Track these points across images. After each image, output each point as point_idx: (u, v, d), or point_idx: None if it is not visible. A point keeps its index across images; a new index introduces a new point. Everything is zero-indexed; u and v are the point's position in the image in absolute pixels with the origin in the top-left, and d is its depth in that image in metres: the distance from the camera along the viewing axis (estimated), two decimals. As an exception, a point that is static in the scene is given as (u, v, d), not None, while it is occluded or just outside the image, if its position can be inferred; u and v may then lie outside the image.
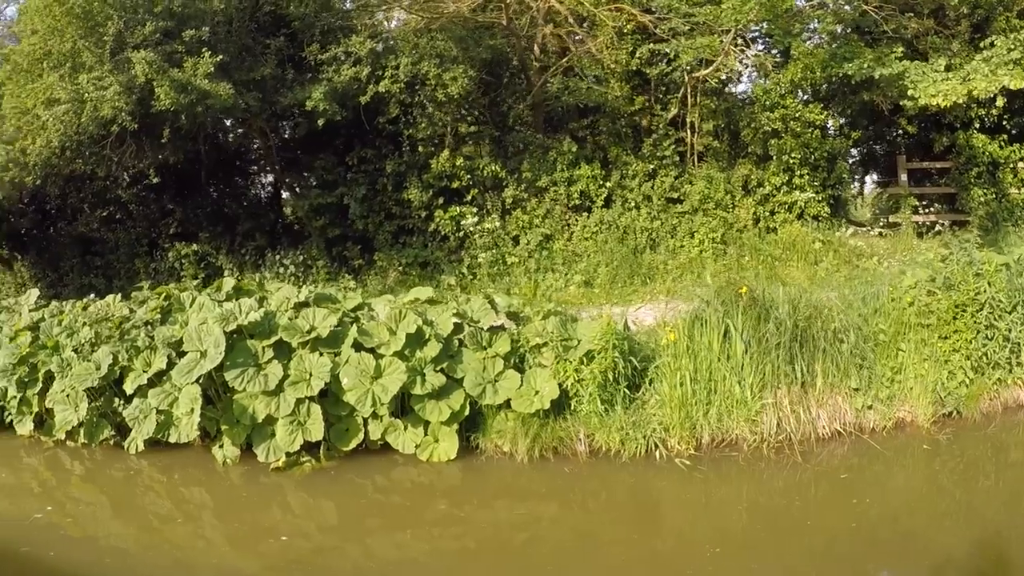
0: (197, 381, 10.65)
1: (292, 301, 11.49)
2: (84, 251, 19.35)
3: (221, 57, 13.32)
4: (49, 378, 12.57)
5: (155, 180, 15.00)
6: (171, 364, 11.11)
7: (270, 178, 19.12)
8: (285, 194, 18.60)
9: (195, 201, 18.32)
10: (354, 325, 11.05)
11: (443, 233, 16.08)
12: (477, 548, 8.87)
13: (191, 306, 11.93)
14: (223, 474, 10.91)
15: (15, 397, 12.93)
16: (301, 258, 16.22)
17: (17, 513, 10.56)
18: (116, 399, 11.76)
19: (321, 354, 10.64)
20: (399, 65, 14.80)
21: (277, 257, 16.32)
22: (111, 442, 11.88)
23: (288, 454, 10.51)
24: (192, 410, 10.61)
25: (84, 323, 12.51)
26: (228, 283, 12.59)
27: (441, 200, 16.13)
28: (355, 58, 14.89)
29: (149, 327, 11.83)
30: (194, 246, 17.41)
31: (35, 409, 12.76)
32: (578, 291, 14.10)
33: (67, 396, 11.90)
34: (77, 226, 19.47)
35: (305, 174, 16.84)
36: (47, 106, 13.75)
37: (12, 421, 13.22)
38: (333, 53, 14.99)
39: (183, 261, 17.37)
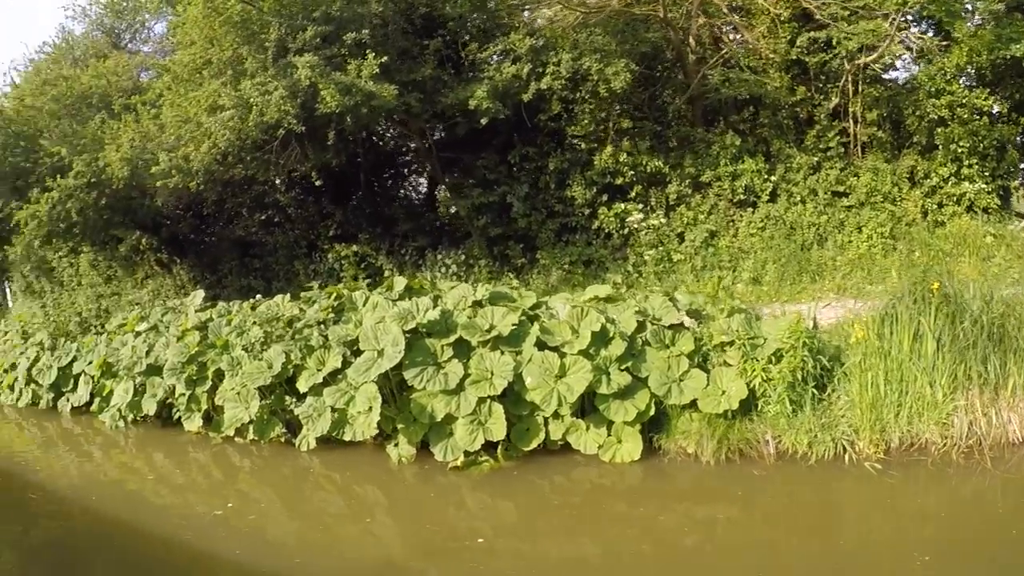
0: (375, 380, 10.50)
1: (469, 300, 11.26)
2: (243, 254, 19.59)
3: (385, 58, 13.20)
4: (218, 376, 12.67)
5: (318, 183, 14.95)
6: (346, 363, 10.99)
7: (426, 179, 18.99)
8: (439, 194, 18.47)
9: (354, 203, 18.29)
10: (535, 323, 10.72)
11: (607, 231, 15.62)
12: (656, 552, 8.38)
13: (364, 305, 11.82)
14: (397, 473, 10.71)
15: (183, 394, 13.09)
16: (463, 257, 16.00)
17: (196, 510, 10.63)
18: (287, 397, 11.72)
19: (502, 353, 10.35)
20: (560, 61, 14.49)
21: (439, 257, 16.13)
22: (281, 439, 11.86)
23: (467, 453, 10.22)
24: (370, 408, 10.42)
25: (254, 323, 12.53)
26: (399, 282, 12.43)
27: (605, 197, 15.72)
28: (514, 56, 14.66)
29: (322, 326, 11.74)
30: (354, 247, 17.34)
31: (203, 406, 12.92)
32: (746, 289, 13.56)
33: (237, 394, 11.92)
34: (235, 230, 19.75)
35: (455, 173, 16.61)
36: (210, 113, 13.85)
37: (180, 417, 13.41)
38: (492, 51, 14.80)
39: (343, 262, 17.33)
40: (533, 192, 16.11)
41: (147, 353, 14.21)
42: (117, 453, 14.11)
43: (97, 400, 15.72)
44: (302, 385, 11.23)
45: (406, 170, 19.49)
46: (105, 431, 15.02)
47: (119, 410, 14.40)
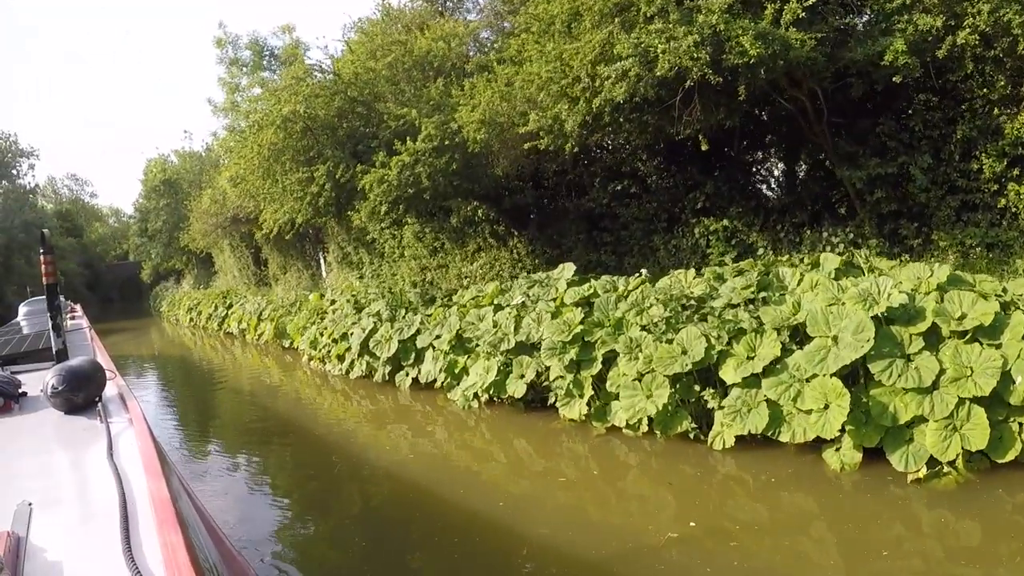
0: (833, 373, 9.21)
1: (930, 282, 9.76)
2: (591, 227, 18.86)
3: (813, 0, 11.79)
4: (608, 359, 11.77)
5: (704, 147, 13.80)
6: (784, 350, 9.80)
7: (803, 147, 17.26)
8: (797, 166, 16.83)
9: (725, 173, 17.09)
10: (1015, 312, 9.16)
11: (1014, 210, 13.72)
12: None
13: (798, 284, 10.57)
14: (834, 481, 9.40)
15: (562, 377, 12.28)
16: (851, 236, 14.48)
17: (559, 502, 9.99)
18: (696, 386, 10.65)
19: (982, 346, 8.87)
20: (979, 12, 12.65)
21: (823, 234, 14.70)
22: (690, 434, 10.75)
23: (930, 463, 8.83)
24: (826, 406, 9.17)
25: (656, 299, 11.53)
26: (830, 259, 11.13)
27: (1016, 171, 13.77)
28: (922, 7, 12.92)
29: (751, 307, 10.58)
30: (723, 222, 16.19)
31: (587, 392, 12.00)
32: None
33: (638, 380, 10.96)
34: (584, 201, 19.00)
35: (845, 140, 14.89)
36: (594, 65, 12.97)
37: (555, 402, 12.62)
38: (899, 1, 13.08)
39: (709, 238, 16.27)
40: (934, 164, 14.27)
41: (515, 329, 13.56)
42: (464, 434, 13.67)
43: (445, 376, 15.29)
44: (728, 374, 10.11)
45: (777, 136, 17.68)
46: (451, 410, 14.74)
47: (478, 390, 13.84)
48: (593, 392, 11.99)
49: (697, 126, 13.56)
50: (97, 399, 5.60)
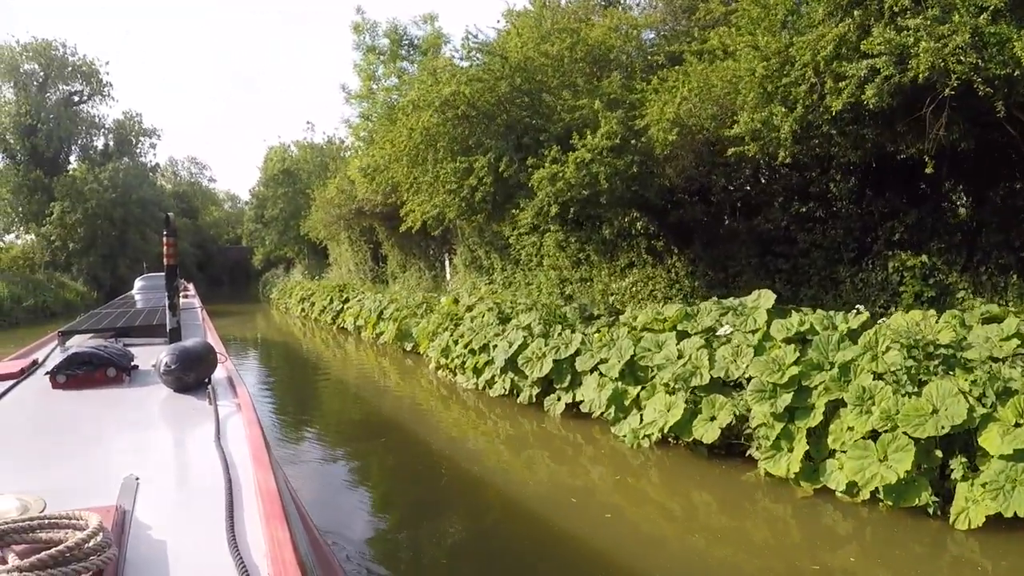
0: None
1: None
2: (763, 251, 17.80)
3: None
4: (832, 408, 10.61)
5: (929, 170, 12.50)
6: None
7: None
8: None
9: (929, 202, 15.83)
10: None
11: None
12: None
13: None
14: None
15: (767, 425, 11.16)
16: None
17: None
18: (938, 451, 9.46)
19: None
20: None
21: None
22: (929, 509, 9.52)
23: None
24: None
25: (893, 342, 10.34)
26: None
27: None
28: None
29: (1018, 361, 9.37)
30: (922, 257, 14.99)
31: (799, 445, 10.85)
32: None
33: (866, 440, 9.79)
34: (758, 222, 17.83)
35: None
36: (827, 63, 11.84)
37: (754, 454, 11.52)
38: None
39: (904, 274, 15.12)
40: None
41: (710, 363, 12.47)
42: (625, 475, 12.70)
43: (609, 406, 14.21)
44: (992, 443, 8.93)
45: (980, 165, 15.83)
46: (612, 445, 13.84)
47: (656, 429, 12.71)
48: (808, 446, 10.82)
49: (927, 145, 12.28)
50: (207, 381, 6.04)
